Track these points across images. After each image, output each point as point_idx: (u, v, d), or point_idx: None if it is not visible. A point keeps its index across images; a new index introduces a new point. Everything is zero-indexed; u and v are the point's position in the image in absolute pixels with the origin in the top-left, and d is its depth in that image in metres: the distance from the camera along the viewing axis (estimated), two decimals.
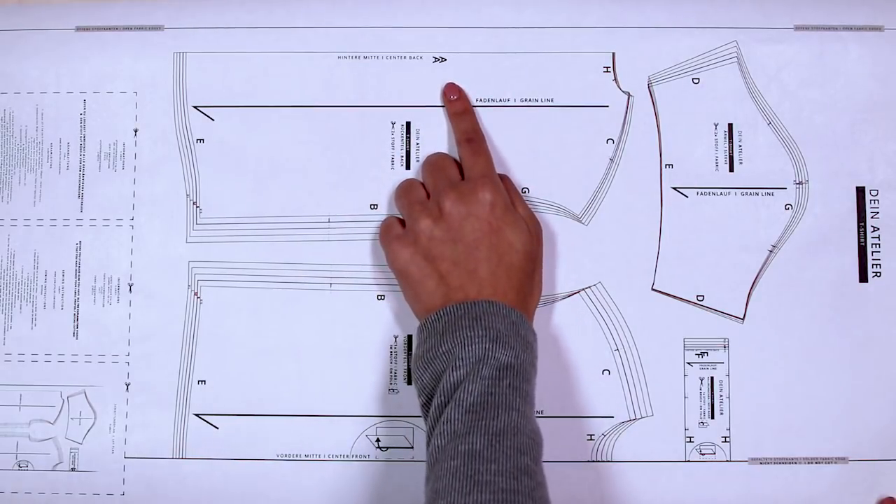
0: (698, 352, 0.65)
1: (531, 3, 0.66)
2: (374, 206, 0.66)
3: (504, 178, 0.64)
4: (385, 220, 0.64)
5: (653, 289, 0.65)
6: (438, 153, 0.65)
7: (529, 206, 0.64)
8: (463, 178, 0.63)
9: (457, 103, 0.65)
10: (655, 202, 0.66)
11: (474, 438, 0.53)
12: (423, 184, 0.64)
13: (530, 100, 0.66)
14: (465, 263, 0.59)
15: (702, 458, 0.64)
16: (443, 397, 0.55)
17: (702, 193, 0.66)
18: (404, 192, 0.63)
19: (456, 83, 0.65)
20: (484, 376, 0.55)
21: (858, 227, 0.66)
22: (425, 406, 0.58)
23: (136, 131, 0.66)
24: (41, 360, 0.65)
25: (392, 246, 0.61)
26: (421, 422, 0.64)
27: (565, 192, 0.66)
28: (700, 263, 0.65)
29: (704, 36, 0.66)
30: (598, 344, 0.65)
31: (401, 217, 0.64)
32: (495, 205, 0.60)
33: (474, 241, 0.59)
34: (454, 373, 0.55)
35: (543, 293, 0.65)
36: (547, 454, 0.63)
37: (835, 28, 0.66)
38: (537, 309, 0.64)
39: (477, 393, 0.54)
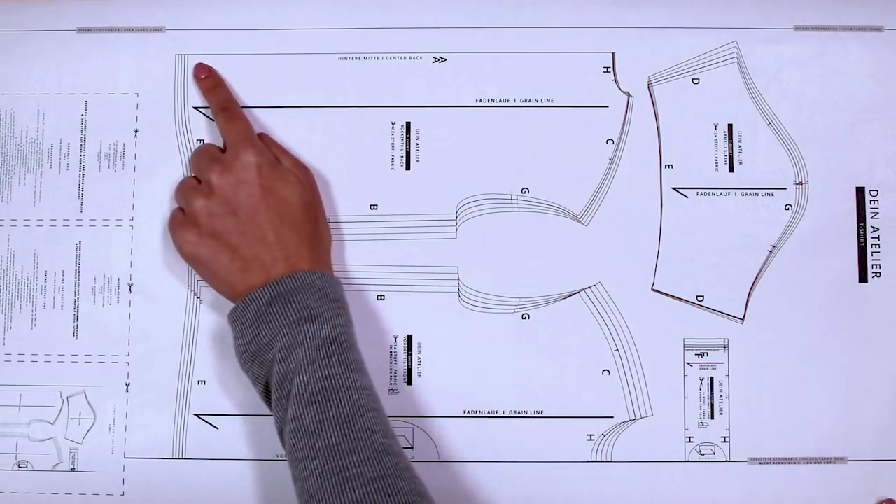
0: (698, 352, 0.65)
1: (531, 3, 0.66)
2: (374, 207, 0.66)
3: (263, 136, 0.65)
4: (171, 211, 0.64)
5: (653, 289, 0.65)
6: (201, 145, 0.65)
7: (294, 156, 0.65)
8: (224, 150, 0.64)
9: (207, 80, 0.66)
10: (655, 202, 0.66)
11: (327, 433, 0.54)
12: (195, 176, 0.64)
13: (530, 100, 0.66)
14: (251, 231, 0.60)
15: (701, 458, 0.64)
16: (280, 390, 0.56)
17: (702, 193, 0.66)
18: (178, 186, 0.64)
19: (205, 63, 0.66)
20: (312, 361, 0.56)
21: (858, 227, 0.66)
22: (264, 394, 0.59)
23: (136, 132, 0.66)
24: (41, 360, 0.65)
25: (177, 233, 0.62)
26: (421, 422, 0.64)
27: (565, 192, 0.66)
28: (700, 263, 0.65)
29: (704, 36, 0.66)
30: (598, 344, 0.65)
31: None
32: (261, 165, 0.61)
33: (251, 206, 0.60)
34: (282, 364, 0.56)
35: (544, 293, 0.65)
36: (547, 454, 0.64)
37: (835, 28, 0.67)
38: (540, 308, 0.64)
39: (313, 381, 0.55)
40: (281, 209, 0.61)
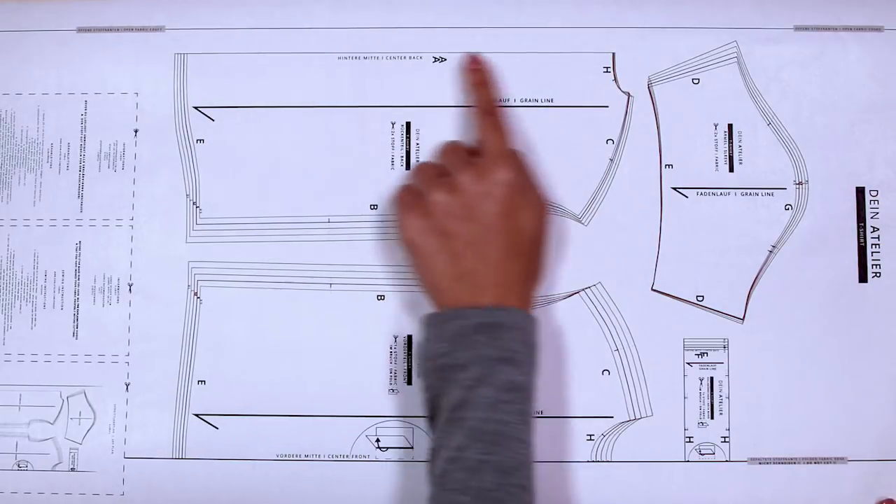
0: (698, 352, 0.65)
1: (531, 3, 0.66)
2: (374, 206, 0.66)
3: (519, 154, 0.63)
4: (399, 188, 0.63)
5: (653, 289, 0.65)
6: (453, 140, 0.65)
7: (540, 186, 0.63)
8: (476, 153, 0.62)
9: (477, 74, 0.64)
10: (655, 202, 0.66)
11: (485, 476, 0.54)
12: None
13: (530, 100, 0.66)
14: (478, 245, 0.59)
15: (701, 458, 0.64)
16: (454, 413, 0.56)
17: (702, 193, 0.66)
18: (420, 167, 0.63)
19: (479, 56, 0.65)
20: (495, 401, 0.55)
21: (858, 227, 0.66)
22: (430, 402, 0.58)
23: (136, 131, 0.66)
24: (41, 360, 0.65)
25: (405, 215, 0.61)
26: (421, 422, 0.64)
27: (565, 192, 0.66)
28: (700, 263, 0.65)
29: (704, 36, 0.66)
30: (598, 344, 0.65)
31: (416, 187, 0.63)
32: (513, 186, 0.59)
33: (489, 223, 0.59)
34: (466, 391, 0.56)
35: (543, 293, 0.65)
36: (547, 454, 0.64)
37: (835, 28, 0.67)
38: (540, 308, 0.64)
39: (488, 421, 0.55)
40: (515, 236, 0.59)
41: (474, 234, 0.59)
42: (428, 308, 0.61)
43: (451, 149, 0.63)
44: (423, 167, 0.63)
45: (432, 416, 0.59)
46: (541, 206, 0.61)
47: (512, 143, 0.62)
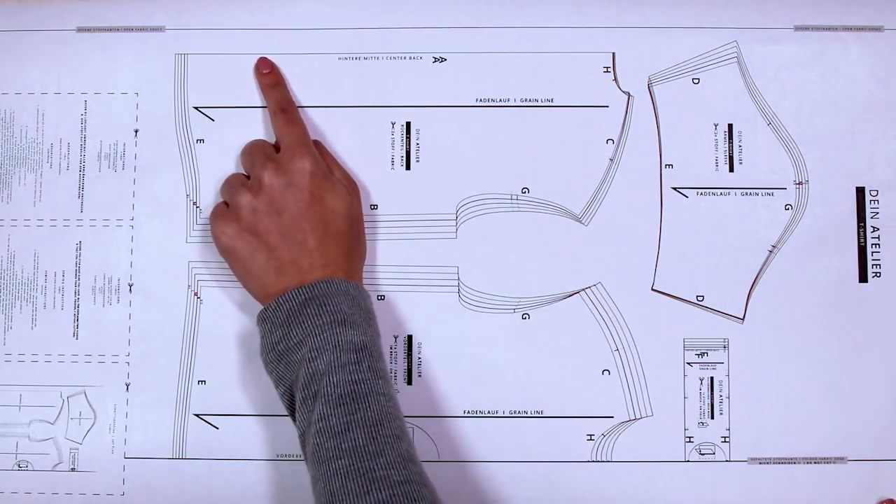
0: (698, 352, 0.65)
1: (531, 3, 0.66)
2: (374, 207, 0.66)
3: (317, 144, 0.65)
4: (216, 204, 0.64)
5: (653, 289, 0.65)
6: (254, 140, 0.65)
7: (344, 168, 0.65)
8: (278, 150, 0.63)
9: (269, 76, 0.65)
10: (655, 202, 0.66)
11: (355, 434, 0.54)
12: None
13: (530, 100, 0.66)
14: (293, 235, 0.60)
15: (701, 458, 0.64)
16: (307, 391, 0.56)
17: (702, 193, 0.66)
18: (227, 179, 0.64)
19: (269, 59, 0.66)
20: (343, 364, 0.56)
21: (858, 227, 0.66)
22: (286, 397, 0.58)
23: (136, 132, 0.66)
24: (41, 360, 0.65)
25: (216, 224, 0.62)
26: (421, 422, 0.64)
27: (565, 192, 0.66)
28: (700, 263, 0.65)
29: (704, 36, 0.66)
30: (598, 344, 0.65)
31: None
32: (314, 173, 0.61)
33: (298, 211, 0.60)
34: (311, 364, 0.56)
35: (544, 293, 0.65)
36: (547, 454, 0.64)
37: (835, 28, 0.67)
38: (540, 308, 0.64)
39: (342, 384, 0.55)
40: (326, 218, 0.61)
41: (285, 225, 0.60)
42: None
43: (250, 149, 0.64)
44: (229, 178, 0.64)
45: (293, 411, 0.59)
46: (345, 186, 0.63)
47: (307, 135, 0.63)
